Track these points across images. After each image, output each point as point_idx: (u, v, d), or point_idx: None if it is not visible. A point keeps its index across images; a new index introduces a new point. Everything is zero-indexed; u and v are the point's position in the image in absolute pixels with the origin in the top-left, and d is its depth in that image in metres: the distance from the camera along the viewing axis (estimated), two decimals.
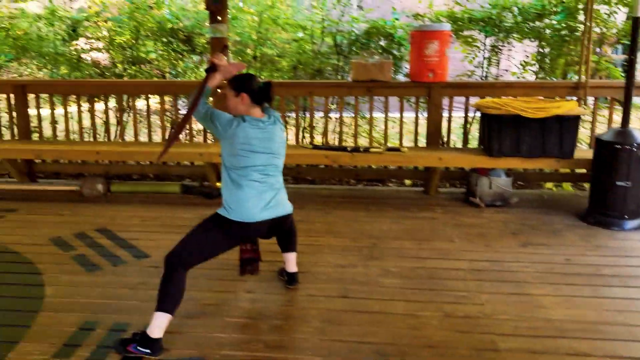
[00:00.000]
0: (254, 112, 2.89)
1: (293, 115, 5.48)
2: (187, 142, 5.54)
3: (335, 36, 5.68)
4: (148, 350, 2.59)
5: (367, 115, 5.34)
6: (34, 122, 5.67)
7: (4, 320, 2.94)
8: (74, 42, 6.48)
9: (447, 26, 4.94)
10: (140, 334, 2.65)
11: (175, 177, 5.75)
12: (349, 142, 5.63)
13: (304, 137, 5.71)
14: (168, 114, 5.94)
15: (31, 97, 5.54)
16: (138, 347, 2.61)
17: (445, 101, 5.07)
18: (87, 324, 2.89)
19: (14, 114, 5.52)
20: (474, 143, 5.68)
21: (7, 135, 5.95)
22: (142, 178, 5.83)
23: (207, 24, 5.28)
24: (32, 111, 5.56)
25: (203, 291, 3.24)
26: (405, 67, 5.72)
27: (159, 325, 2.61)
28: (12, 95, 5.51)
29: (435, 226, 4.28)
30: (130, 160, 5.36)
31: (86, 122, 5.72)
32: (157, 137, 5.80)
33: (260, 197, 2.86)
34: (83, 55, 6.38)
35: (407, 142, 5.42)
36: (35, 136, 5.73)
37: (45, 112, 5.86)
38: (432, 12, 5.68)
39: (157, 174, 5.65)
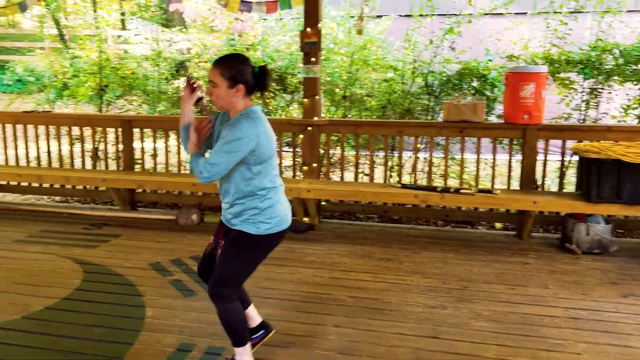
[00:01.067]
0: (248, 105, 2.56)
1: (381, 154, 5.61)
2: None
3: (426, 76, 5.81)
4: None
5: (457, 156, 5.37)
6: (137, 155, 6.16)
7: (109, 337, 3.21)
8: (174, 81, 7.03)
9: (543, 68, 4.94)
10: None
11: None
12: (438, 183, 5.67)
13: (391, 176, 5.81)
14: None
15: (135, 131, 6.05)
16: None
17: (540, 144, 5.03)
18: (184, 345, 3.10)
19: (120, 146, 6.04)
20: (569, 188, 5.55)
21: (112, 166, 6.50)
22: None
23: (300, 64, 5.58)
24: (135, 144, 6.06)
25: (292, 322, 3.38)
26: (499, 109, 5.73)
27: (245, 354, 2.75)
28: (119, 129, 6.05)
29: (528, 271, 4.21)
30: None
31: (184, 156, 6.14)
32: None
33: (284, 198, 2.71)
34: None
35: (499, 184, 5.38)
36: (137, 167, 6.22)
37: (148, 145, 6.36)
38: (528, 53, 5.69)
39: None
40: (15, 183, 6.27)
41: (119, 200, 5.83)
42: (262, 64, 2.58)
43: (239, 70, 2.49)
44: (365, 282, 3.99)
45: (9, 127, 6.34)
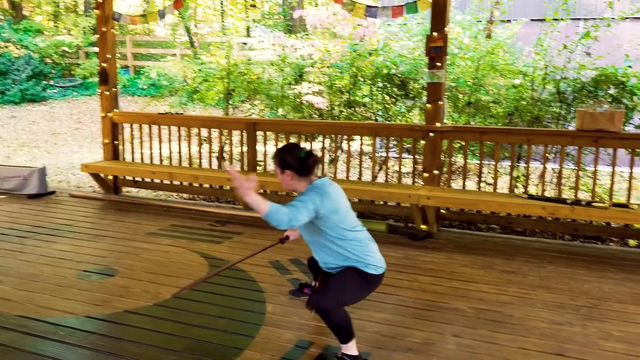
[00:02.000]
0: (304, 185, 3.02)
1: (506, 163, 5.45)
2: (395, 182, 5.82)
3: (558, 83, 5.56)
4: None
5: (590, 168, 5.08)
6: (259, 157, 6.48)
7: (233, 328, 3.41)
8: (295, 86, 7.31)
9: None
10: (345, 356, 2.93)
11: (379, 216, 6.06)
12: (567, 195, 5.39)
13: (516, 186, 5.62)
14: (378, 154, 6.33)
15: (259, 134, 6.37)
16: None
17: None
18: (302, 342, 3.22)
19: (244, 148, 6.39)
20: None
21: (236, 167, 6.88)
22: None
23: (425, 69, 5.58)
24: (258, 147, 6.38)
25: (410, 329, 3.39)
26: (638, 118, 5.35)
27: (352, 347, 2.95)
28: (244, 132, 6.40)
29: None
30: None
31: None
32: (367, 176, 6.20)
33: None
34: (304, 98, 7.16)
35: (635, 199, 5.01)
36: (259, 169, 6.54)
37: (270, 148, 6.67)
38: None
39: (363, 211, 6.02)
40: (149, 180, 6.84)
41: (242, 200, 6.16)
42: (307, 150, 3.04)
43: (283, 159, 3.01)
44: (487, 294, 3.90)
45: (145, 127, 6.94)
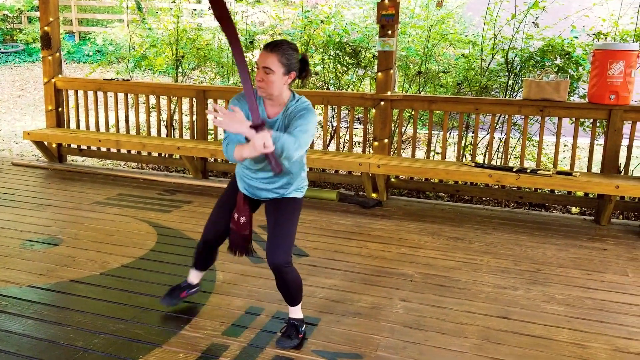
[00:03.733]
0: (287, 95, 2.61)
1: (454, 132, 5.51)
2: (346, 151, 5.80)
3: (507, 53, 5.61)
4: (305, 327, 2.91)
5: (535, 137, 5.19)
6: (209, 125, 6.33)
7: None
8: (247, 54, 7.12)
9: (634, 46, 4.67)
10: (294, 323, 2.88)
11: (330, 185, 6.05)
12: (513, 164, 5.51)
13: (464, 155, 5.69)
14: (329, 124, 6.28)
15: (209, 101, 6.21)
16: (302, 330, 2.88)
17: (626, 127, 4.77)
18: (252, 309, 3.19)
19: (195, 116, 6.22)
20: None
21: (186, 135, 6.71)
22: None
23: (376, 37, 5.53)
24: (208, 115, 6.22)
25: (358, 293, 3.40)
26: (582, 88, 5.47)
27: (299, 309, 2.91)
28: (194, 99, 6.22)
29: (606, 258, 4.05)
30: None
31: None
32: (318, 145, 6.15)
33: None
34: (255, 66, 6.98)
35: (578, 168, 5.16)
36: (209, 138, 6.39)
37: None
38: (618, 30, 5.38)
39: (314, 180, 5.99)
40: (95, 148, 6.60)
41: (192, 169, 6.02)
42: (303, 53, 2.62)
43: (292, 58, 2.54)
44: (434, 260, 3.96)
45: (90, 93, 6.65)
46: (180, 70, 7.40)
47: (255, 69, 2.57)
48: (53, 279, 3.52)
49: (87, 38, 16.43)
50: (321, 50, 6.56)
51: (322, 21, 6.51)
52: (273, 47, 2.53)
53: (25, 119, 10.69)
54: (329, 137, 6.15)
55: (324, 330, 2.97)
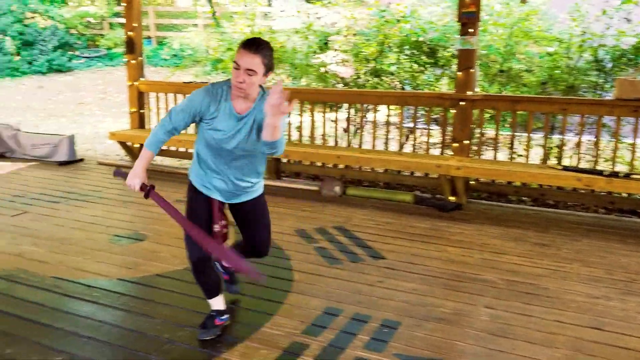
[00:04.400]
0: (256, 92, 2.60)
1: (540, 134, 5.30)
2: (423, 153, 5.71)
3: (596, 50, 5.35)
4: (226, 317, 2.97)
5: (628, 140, 4.91)
6: None
7: (261, 294, 3.39)
8: (320, 55, 7.16)
9: None
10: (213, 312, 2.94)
11: (405, 187, 5.97)
12: (603, 167, 5.24)
13: (548, 157, 5.47)
14: (405, 124, 6.21)
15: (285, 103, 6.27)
16: (220, 318, 2.93)
17: None
18: (331, 309, 3.19)
19: None
20: None
21: None
22: (373, 185, 6.17)
23: (455, 36, 5.41)
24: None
25: (440, 299, 3.33)
26: None
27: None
28: None
29: None
30: (365, 167, 5.73)
31: (328, 129, 6.27)
32: (393, 146, 6.09)
33: None
34: (328, 67, 7.02)
35: None
36: None
37: (294, 118, 6.59)
38: None
39: (389, 182, 5.93)
40: (174, 148, 6.82)
41: (266, 169, 6.11)
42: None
43: (272, 58, 2.52)
44: (519, 266, 3.82)
45: (170, 96, 6.89)
46: None
47: (232, 69, 2.51)
48: (139, 273, 3.66)
49: (164, 43, 17.09)
50: (397, 50, 6.50)
51: (398, 20, 6.45)
52: (257, 48, 2.46)
53: (108, 120, 11.21)
54: (404, 139, 6.07)
55: (404, 334, 2.93)
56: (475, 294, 3.40)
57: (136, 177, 2.74)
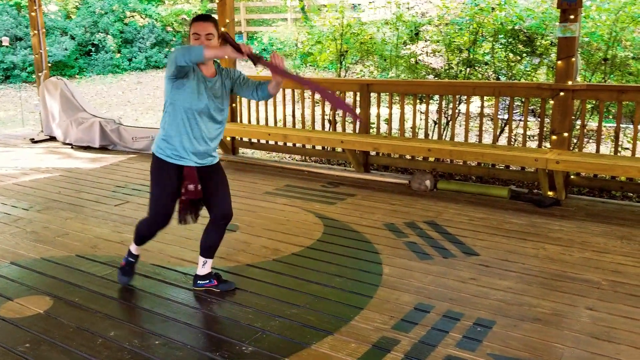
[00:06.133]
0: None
1: None
2: (519, 145, 5.50)
3: None
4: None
5: None
6: (371, 119, 6.38)
7: (350, 287, 3.41)
8: (410, 46, 7.07)
9: None
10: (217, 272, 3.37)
11: (499, 181, 5.78)
12: None
13: None
14: (500, 116, 6.00)
15: (372, 95, 6.26)
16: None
17: None
18: (422, 305, 3.15)
19: (357, 110, 6.31)
20: None
21: (347, 129, 6.84)
22: (465, 179, 6.02)
23: (555, 23, 5.16)
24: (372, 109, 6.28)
25: (537, 298, 3.20)
26: None
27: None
28: (357, 93, 6.31)
29: None
30: (457, 160, 5.59)
31: (418, 121, 6.18)
32: (487, 139, 5.91)
33: None
34: (419, 58, 6.92)
35: None
36: (371, 131, 6.45)
37: (384, 110, 6.54)
38: None
39: (482, 176, 5.77)
40: (264, 141, 6.99)
41: (354, 162, 6.12)
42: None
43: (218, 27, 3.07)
44: (624, 267, 3.59)
45: None
46: (342, 64, 7.56)
47: (193, 40, 2.97)
48: (231, 262, 3.79)
49: (254, 37, 17.52)
50: (491, 38, 6.28)
51: (493, 8, 6.23)
52: (207, 17, 3.04)
53: None
54: (499, 131, 5.87)
55: (500, 334, 2.84)
56: (575, 294, 3.24)
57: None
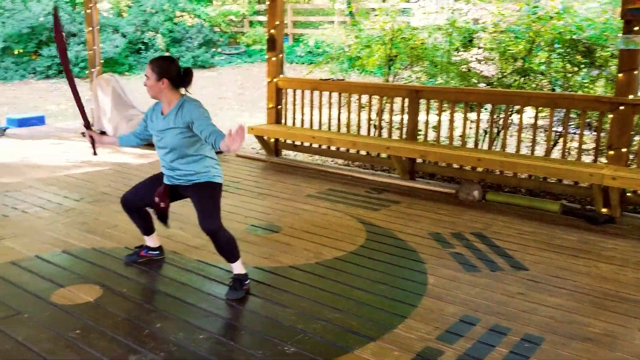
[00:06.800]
0: (173, 97, 3.33)
1: None
2: (573, 159, 5.38)
3: None
4: (248, 281, 3.40)
5: None
6: (420, 125, 6.34)
7: (393, 295, 3.41)
8: (461, 53, 7.01)
9: None
10: (237, 278, 3.36)
11: (550, 195, 5.67)
12: None
13: None
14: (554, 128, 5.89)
15: (421, 102, 6.23)
16: (245, 282, 3.37)
17: None
18: (467, 318, 3.12)
19: (405, 116, 6.29)
20: None
21: (394, 135, 6.82)
22: (514, 191, 5.92)
23: (618, 35, 5.04)
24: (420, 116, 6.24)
25: (588, 317, 3.14)
26: None
27: (240, 265, 3.39)
28: (405, 99, 6.29)
29: None
30: (508, 171, 5.51)
31: (468, 130, 6.11)
32: (539, 151, 5.81)
33: None
34: (471, 65, 6.85)
35: None
36: (419, 138, 6.42)
37: (433, 117, 6.50)
38: None
39: (532, 189, 5.67)
40: (308, 144, 7.04)
41: (400, 169, 6.11)
42: (186, 67, 3.37)
43: (163, 68, 3.26)
44: None
45: (307, 93, 7.11)
46: (392, 69, 7.55)
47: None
48: (274, 263, 3.84)
49: (300, 40, 17.68)
50: (547, 48, 6.18)
51: (551, 17, 6.13)
52: (150, 61, 3.34)
53: (244, 115, 11.84)
54: (552, 143, 5.75)
55: (549, 351, 2.80)
56: (629, 315, 3.16)
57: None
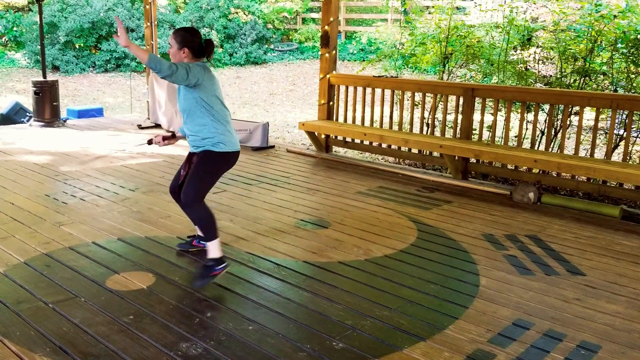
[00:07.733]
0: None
1: None
2: (633, 163, 5.16)
3: None
4: (223, 265, 3.37)
5: None
6: (475, 125, 6.22)
7: (444, 295, 3.35)
8: (519, 51, 6.82)
9: None
10: (210, 261, 3.36)
11: (609, 199, 5.46)
12: None
13: None
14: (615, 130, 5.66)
15: (477, 100, 6.10)
16: (216, 268, 3.34)
17: None
18: (521, 321, 3.04)
19: (459, 115, 6.18)
20: None
21: (447, 134, 6.71)
22: (571, 194, 5.73)
23: None
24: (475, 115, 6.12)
25: None
26: None
27: (216, 247, 3.37)
28: (460, 98, 6.18)
29: None
30: (565, 174, 5.34)
31: (524, 130, 5.95)
32: (598, 154, 5.60)
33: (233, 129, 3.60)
34: (529, 65, 6.66)
35: None
36: (473, 137, 6.29)
37: (488, 117, 6.36)
38: None
39: (590, 192, 5.47)
40: (358, 141, 7.01)
41: (452, 168, 6.00)
42: (208, 38, 3.47)
43: (185, 38, 3.40)
44: None
45: (359, 89, 7.08)
46: (447, 67, 7.43)
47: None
48: (323, 258, 3.83)
49: (352, 37, 17.63)
50: (610, 48, 5.94)
51: (615, 16, 5.89)
52: (173, 31, 3.46)
53: (295, 111, 11.91)
54: (613, 146, 5.54)
55: (605, 359, 2.68)
56: None
57: None
